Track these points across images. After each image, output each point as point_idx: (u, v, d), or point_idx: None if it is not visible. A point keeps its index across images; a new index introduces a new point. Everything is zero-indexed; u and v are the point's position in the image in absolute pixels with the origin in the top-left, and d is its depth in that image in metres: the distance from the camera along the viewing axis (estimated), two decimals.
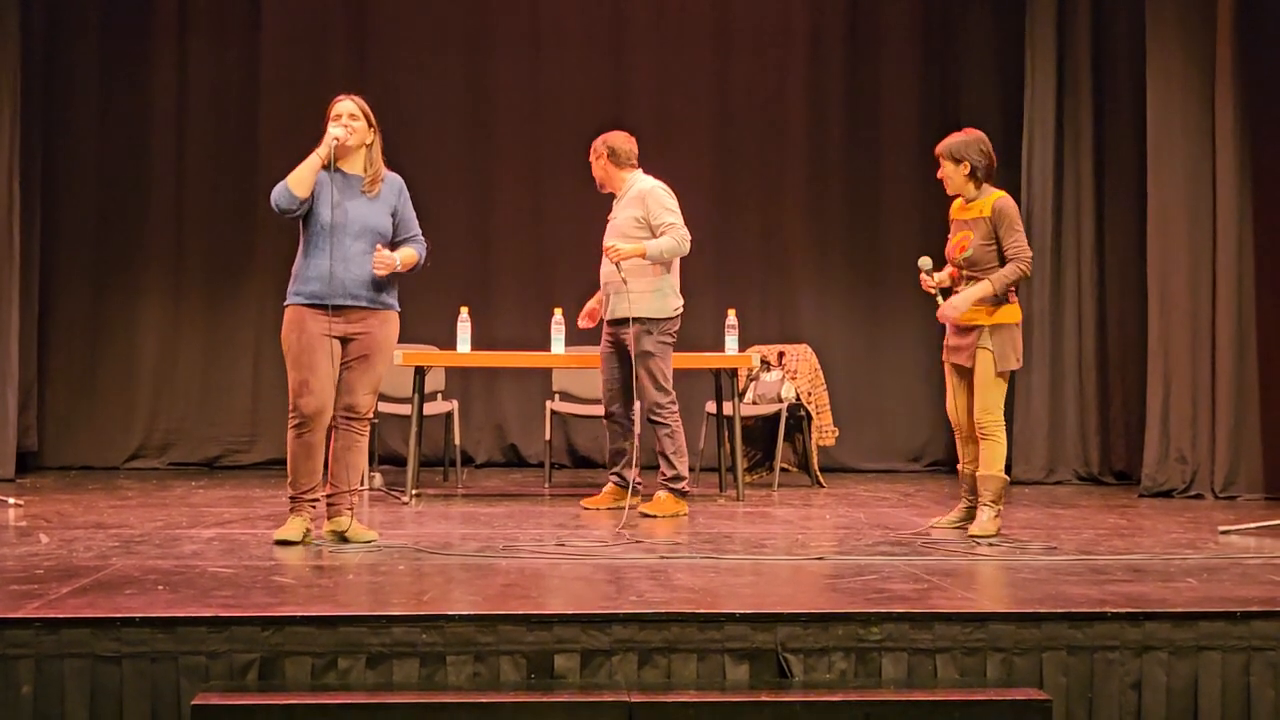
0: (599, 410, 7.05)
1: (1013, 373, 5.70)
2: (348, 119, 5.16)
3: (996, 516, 5.61)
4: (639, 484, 6.37)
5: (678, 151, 9.21)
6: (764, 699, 3.52)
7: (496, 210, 9.30)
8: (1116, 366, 8.54)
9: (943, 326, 5.85)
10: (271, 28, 9.13)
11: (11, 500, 6.50)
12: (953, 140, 5.73)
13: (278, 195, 5.08)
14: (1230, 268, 7.56)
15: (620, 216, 6.41)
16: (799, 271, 9.43)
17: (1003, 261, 5.60)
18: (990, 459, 5.62)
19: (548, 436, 8.10)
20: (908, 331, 9.07)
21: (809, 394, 8.17)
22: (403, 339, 8.06)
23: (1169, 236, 7.76)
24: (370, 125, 5.22)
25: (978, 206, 5.67)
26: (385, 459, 8.58)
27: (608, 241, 6.39)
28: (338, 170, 5.12)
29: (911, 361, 9.14)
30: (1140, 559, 4.95)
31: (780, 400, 8.12)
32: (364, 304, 5.14)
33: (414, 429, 7.05)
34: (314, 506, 5.22)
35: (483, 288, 9.07)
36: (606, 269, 6.43)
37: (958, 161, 5.67)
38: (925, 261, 5.77)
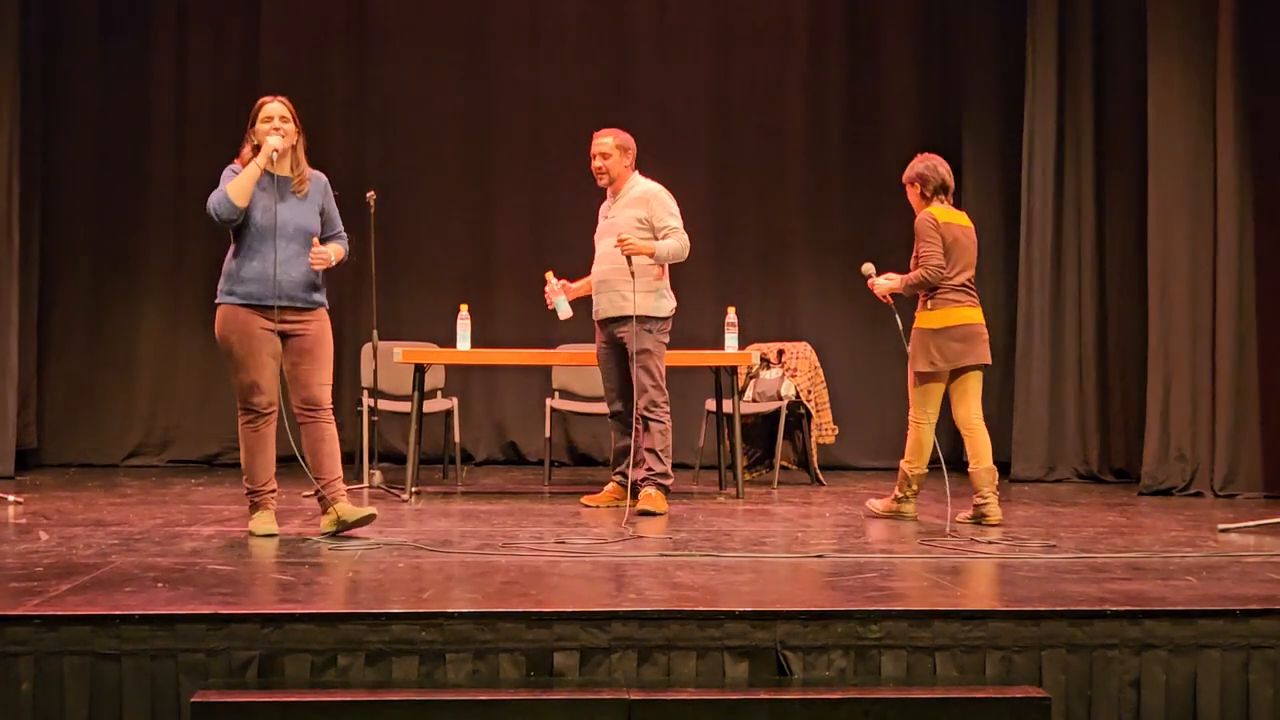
0: (598, 408, 7.05)
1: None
2: (279, 122, 5.22)
3: (892, 501, 6.22)
4: (640, 483, 6.37)
5: (677, 148, 9.21)
6: (763, 697, 3.52)
7: (496, 208, 9.30)
8: (1116, 365, 8.54)
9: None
10: (271, 26, 9.14)
11: (11, 498, 6.50)
12: (909, 167, 6.23)
13: (219, 205, 5.13)
14: (1231, 266, 7.56)
15: (621, 216, 6.41)
16: (798, 269, 9.43)
17: None
18: (906, 449, 6.18)
19: (547, 434, 8.10)
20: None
21: (809, 392, 8.17)
22: (403, 336, 8.14)
23: (1169, 235, 7.76)
24: (296, 126, 5.28)
25: None
26: (385, 456, 8.60)
27: (609, 238, 6.38)
28: (267, 173, 5.20)
29: None
30: (1140, 557, 4.95)
31: (780, 398, 8.12)
32: (299, 305, 5.23)
33: (414, 427, 7.05)
34: (274, 499, 5.36)
35: (482, 285, 9.09)
36: (606, 269, 6.43)
37: (911, 184, 6.21)
38: (868, 267, 6.31)
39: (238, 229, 5.20)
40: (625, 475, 6.49)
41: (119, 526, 5.57)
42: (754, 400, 8.22)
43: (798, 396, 8.13)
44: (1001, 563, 4.81)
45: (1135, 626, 3.77)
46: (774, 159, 9.42)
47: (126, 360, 8.99)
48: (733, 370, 7.32)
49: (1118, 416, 8.53)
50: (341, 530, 5.23)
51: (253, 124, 5.25)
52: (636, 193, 6.44)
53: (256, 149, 5.22)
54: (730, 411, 7.32)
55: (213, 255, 8.95)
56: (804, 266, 9.41)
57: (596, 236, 6.60)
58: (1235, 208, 7.55)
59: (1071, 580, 4.34)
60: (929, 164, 6.16)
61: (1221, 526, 5.92)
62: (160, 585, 4.06)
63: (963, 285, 6.09)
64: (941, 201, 6.14)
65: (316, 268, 5.19)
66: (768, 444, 8.22)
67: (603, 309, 6.47)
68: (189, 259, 9.05)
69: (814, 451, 8.16)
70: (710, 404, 7.91)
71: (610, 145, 6.43)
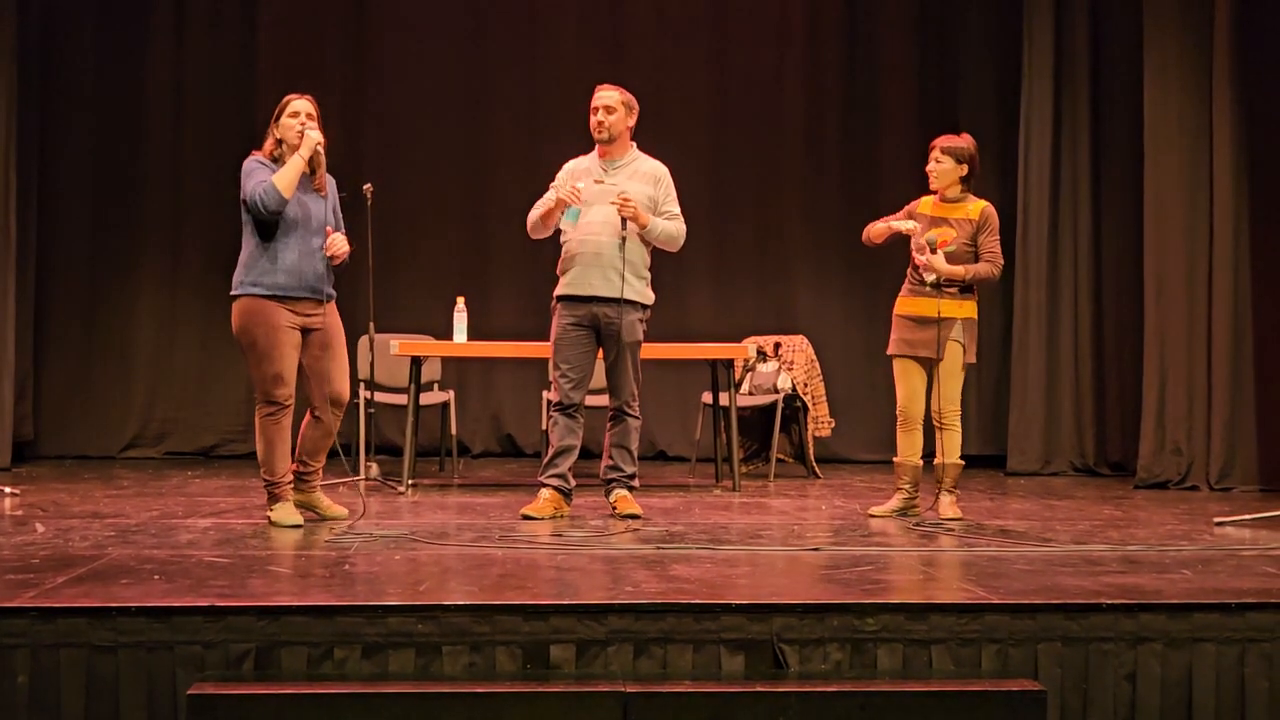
0: (596, 400, 6.96)
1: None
2: (305, 118, 5.31)
3: (957, 500, 6.00)
4: (611, 484, 5.94)
5: (675, 142, 9.17)
6: (759, 689, 3.52)
7: (493, 200, 9.29)
8: (1113, 358, 8.55)
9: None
10: (268, 17, 9.12)
11: (7, 489, 6.49)
12: (960, 143, 5.93)
13: (269, 199, 5.15)
14: (1226, 259, 7.57)
15: (629, 188, 5.75)
16: (795, 262, 9.43)
17: (976, 260, 5.83)
18: (953, 447, 5.90)
19: (544, 426, 8.08)
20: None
21: (805, 385, 8.18)
22: (400, 329, 8.13)
23: (1166, 228, 7.77)
24: (320, 126, 5.37)
25: (963, 209, 5.88)
26: (381, 449, 8.59)
27: (607, 206, 5.71)
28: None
29: None
30: (1135, 550, 4.96)
31: (776, 391, 8.12)
32: (320, 298, 5.32)
33: (410, 419, 7.05)
34: (291, 489, 5.44)
35: (479, 278, 9.08)
36: (604, 239, 5.74)
37: (960, 162, 5.87)
38: (931, 236, 5.80)
39: (261, 221, 5.22)
40: (566, 479, 5.85)
41: (115, 518, 5.57)
42: (750, 393, 8.22)
43: (794, 389, 8.14)
44: (997, 556, 4.82)
45: (1131, 620, 3.78)
46: (771, 151, 9.42)
47: (123, 352, 8.99)
48: (729, 363, 7.33)
49: (1114, 410, 8.54)
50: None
51: (277, 119, 5.32)
52: (647, 167, 5.89)
53: (279, 143, 5.31)
54: (727, 404, 7.32)
55: (209, 246, 9.05)
56: (801, 260, 9.41)
57: (586, 198, 5.76)
58: (1231, 201, 7.55)
59: (1067, 573, 4.35)
60: (976, 148, 5.91)
61: (1217, 520, 5.93)
62: (157, 577, 4.06)
63: None
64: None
65: (342, 251, 5.30)
66: (764, 437, 8.22)
67: (594, 284, 5.75)
68: (185, 251, 9.05)
69: (810, 445, 8.16)
70: (707, 397, 7.91)
71: (616, 100, 5.82)
